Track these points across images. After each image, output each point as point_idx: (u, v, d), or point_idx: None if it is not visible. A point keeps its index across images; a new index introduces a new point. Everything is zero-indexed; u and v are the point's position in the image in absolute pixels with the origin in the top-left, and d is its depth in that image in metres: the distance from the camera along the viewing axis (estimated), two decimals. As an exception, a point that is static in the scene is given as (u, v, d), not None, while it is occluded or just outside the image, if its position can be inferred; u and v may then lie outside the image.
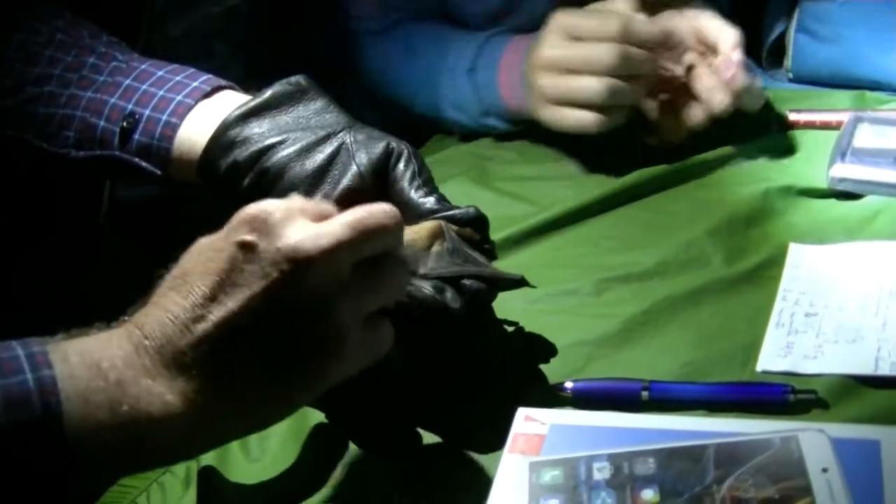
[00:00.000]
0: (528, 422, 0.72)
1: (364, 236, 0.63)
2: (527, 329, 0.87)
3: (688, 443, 0.68)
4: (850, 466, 0.65)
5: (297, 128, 0.82)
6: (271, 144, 0.81)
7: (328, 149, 0.80)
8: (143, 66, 0.89)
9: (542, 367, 0.83)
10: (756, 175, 1.06)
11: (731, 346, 0.83)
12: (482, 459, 0.71)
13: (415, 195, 0.80)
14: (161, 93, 0.86)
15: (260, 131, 0.82)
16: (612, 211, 1.04)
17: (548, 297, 0.91)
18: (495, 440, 0.72)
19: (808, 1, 1.23)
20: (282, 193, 0.78)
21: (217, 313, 0.60)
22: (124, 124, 0.86)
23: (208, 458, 0.79)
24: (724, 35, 1.06)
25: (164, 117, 0.85)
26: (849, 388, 0.77)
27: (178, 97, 0.85)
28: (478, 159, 1.20)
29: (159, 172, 0.86)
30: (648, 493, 0.65)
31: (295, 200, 0.65)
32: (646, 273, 0.93)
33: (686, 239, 0.96)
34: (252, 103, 0.83)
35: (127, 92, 0.87)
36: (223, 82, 0.88)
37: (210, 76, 0.88)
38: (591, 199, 1.04)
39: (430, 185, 0.81)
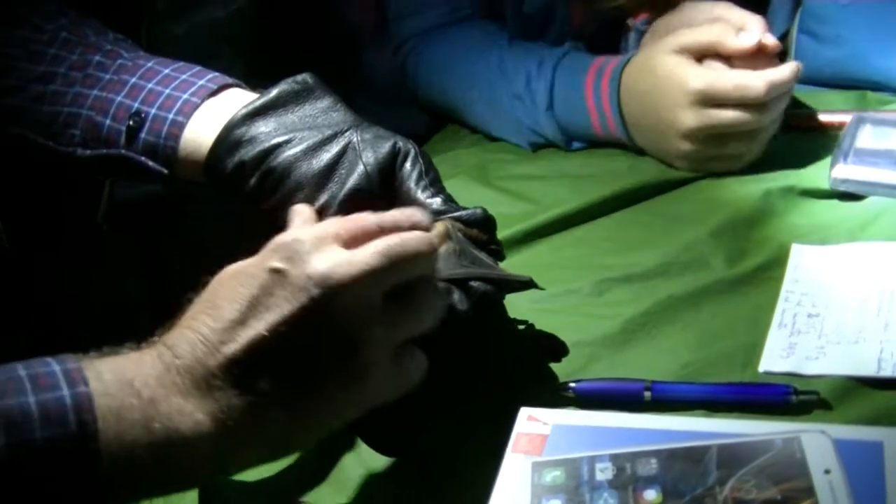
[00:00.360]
0: (531, 422, 0.72)
1: (397, 264, 0.64)
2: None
3: (690, 443, 0.68)
4: (853, 468, 0.64)
5: (304, 127, 0.81)
6: (277, 144, 0.80)
7: (335, 148, 0.80)
8: (149, 64, 0.88)
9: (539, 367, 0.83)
10: (758, 176, 1.06)
11: (733, 347, 0.83)
12: (485, 459, 0.70)
13: (421, 195, 0.79)
14: (167, 91, 0.85)
15: (266, 130, 0.81)
16: (614, 212, 1.04)
17: (549, 297, 0.91)
18: (496, 440, 0.72)
19: (810, 2, 1.23)
20: (288, 193, 0.78)
21: (246, 335, 0.61)
22: (130, 123, 0.85)
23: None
24: (751, 22, 1.06)
25: (171, 116, 0.84)
26: (851, 389, 0.77)
27: (185, 95, 0.85)
28: (479, 158, 1.20)
29: (165, 171, 0.85)
30: (651, 494, 0.65)
31: (329, 225, 0.66)
32: (647, 274, 0.93)
33: (687, 240, 0.96)
34: (258, 102, 0.82)
35: (133, 90, 0.86)
36: (230, 80, 0.87)
37: (217, 74, 0.87)
38: (593, 200, 1.04)
39: (437, 185, 0.80)
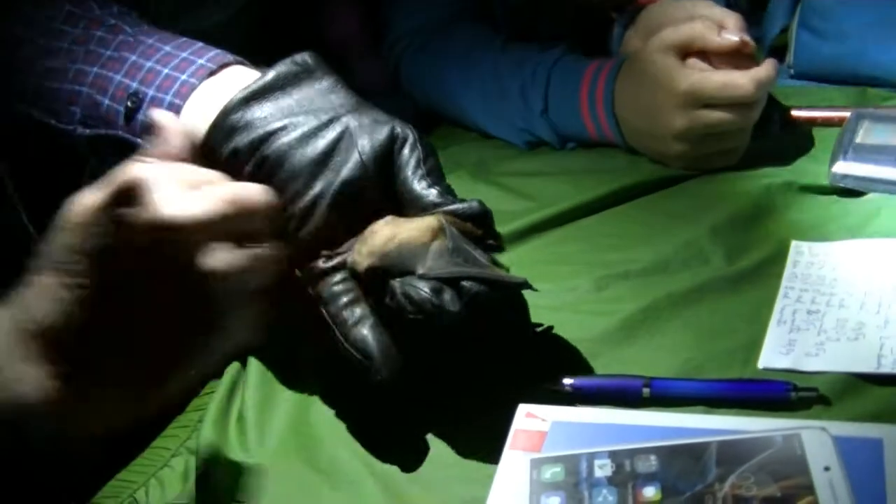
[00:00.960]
0: (530, 418, 0.72)
1: (234, 213, 0.63)
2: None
3: (689, 440, 0.68)
4: (853, 465, 0.64)
5: (301, 111, 0.79)
6: (272, 131, 0.78)
7: (330, 134, 0.78)
8: (151, 41, 0.87)
9: (538, 364, 0.82)
10: (757, 172, 1.05)
11: (732, 344, 0.82)
12: (483, 456, 0.70)
13: (417, 186, 0.78)
14: (166, 71, 0.84)
15: (262, 115, 0.79)
16: (613, 208, 1.04)
17: (548, 294, 0.90)
18: (494, 437, 0.72)
19: (810, -4, 1.23)
20: (282, 182, 0.77)
21: (84, 290, 0.60)
22: (129, 104, 0.84)
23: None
24: (728, 19, 1.06)
25: (168, 98, 0.83)
26: (851, 385, 0.76)
27: (183, 76, 0.83)
28: (479, 154, 1.20)
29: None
30: (650, 491, 0.65)
31: (170, 165, 0.66)
32: (646, 270, 0.93)
33: (687, 236, 0.96)
34: (255, 86, 0.80)
35: (132, 69, 0.85)
36: (231, 57, 0.85)
37: (218, 52, 0.85)
38: (593, 197, 1.04)
39: (434, 175, 0.79)
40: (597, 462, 0.67)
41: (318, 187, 0.76)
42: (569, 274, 0.93)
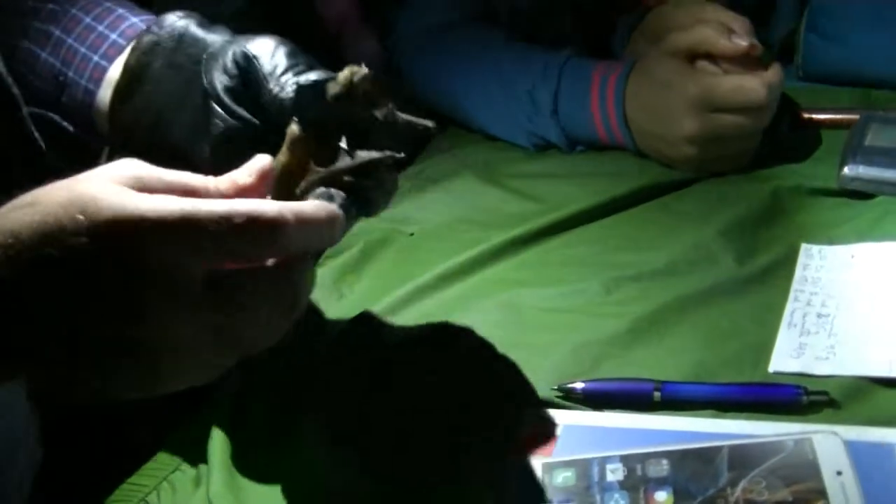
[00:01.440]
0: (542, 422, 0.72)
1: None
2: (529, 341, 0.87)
3: (701, 444, 0.68)
4: (865, 469, 0.65)
5: (171, 84, 0.78)
6: (154, 120, 0.77)
7: (195, 98, 0.76)
8: (74, 11, 0.84)
9: (548, 367, 0.82)
10: (766, 174, 1.06)
11: (742, 347, 0.82)
12: (497, 460, 0.70)
13: (275, 91, 0.73)
14: (83, 50, 0.82)
15: (143, 105, 0.78)
16: (622, 210, 1.04)
17: (557, 296, 0.91)
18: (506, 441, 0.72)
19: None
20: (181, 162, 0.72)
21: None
22: (52, 89, 0.82)
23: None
24: (736, 23, 1.06)
25: (83, 83, 0.82)
26: (862, 389, 0.76)
27: (95, 57, 0.82)
28: (486, 156, 1.20)
29: (92, 138, 0.83)
30: (662, 495, 0.65)
31: (125, 169, 0.59)
32: (656, 272, 0.93)
33: (696, 238, 0.96)
34: (122, 80, 0.79)
35: (56, 47, 0.83)
36: (143, 26, 0.83)
37: (135, 20, 0.83)
38: (601, 199, 1.04)
39: (295, 71, 0.74)
40: (608, 466, 0.67)
41: (204, 151, 0.75)
42: (578, 276, 0.93)
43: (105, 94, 0.82)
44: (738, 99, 1.02)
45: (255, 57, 0.75)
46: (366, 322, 0.90)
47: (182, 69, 0.78)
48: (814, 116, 1.14)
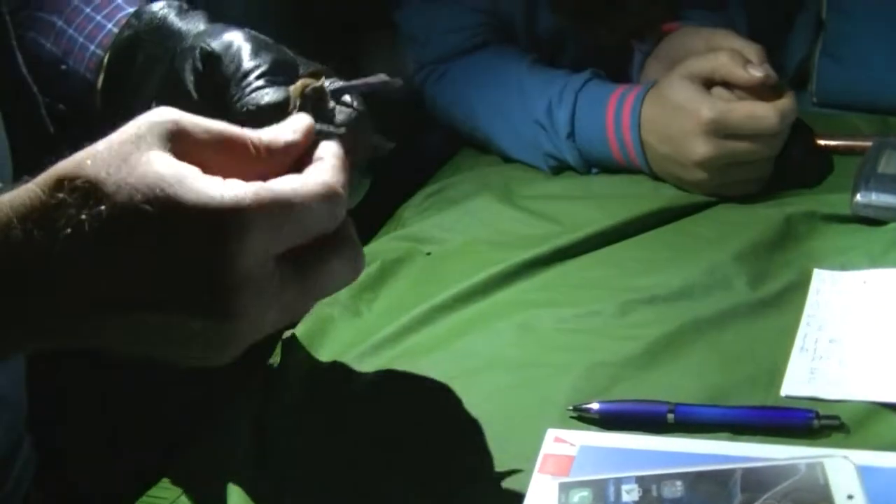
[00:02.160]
0: (558, 443, 0.73)
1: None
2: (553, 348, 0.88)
3: (714, 466, 0.69)
4: (876, 494, 0.65)
5: (153, 83, 0.78)
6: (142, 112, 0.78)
7: (171, 92, 0.76)
8: (76, 2, 0.85)
9: (563, 388, 0.83)
10: (780, 199, 1.07)
11: (755, 370, 0.84)
12: (512, 479, 0.72)
13: (229, 103, 0.73)
14: (81, 40, 0.83)
15: (127, 103, 0.79)
16: (638, 233, 1.06)
17: (573, 318, 0.92)
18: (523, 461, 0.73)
19: (833, 24, 1.24)
20: None
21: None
22: (55, 78, 0.83)
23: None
24: (750, 51, 1.07)
25: (82, 71, 0.83)
26: (873, 414, 0.77)
27: (92, 47, 0.83)
28: (503, 177, 1.21)
29: (95, 125, 0.84)
30: (676, 516, 0.66)
31: (167, 121, 0.57)
32: (671, 295, 0.94)
33: (710, 262, 0.97)
34: (104, 78, 0.80)
35: (58, 37, 0.84)
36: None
37: (130, 11, 0.83)
38: (617, 221, 1.06)
39: (253, 76, 0.73)
40: (624, 487, 0.68)
41: None
42: (594, 298, 0.95)
43: (101, 77, 0.83)
44: (750, 126, 1.04)
45: (217, 57, 0.75)
46: (385, 340, 0.91)
47: (159, 62, 0.79)
48: (827, 142, 1.15)
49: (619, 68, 1.23)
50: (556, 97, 1.18)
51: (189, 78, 0.76)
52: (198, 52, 0.76)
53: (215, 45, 0.75)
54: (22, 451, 0.85)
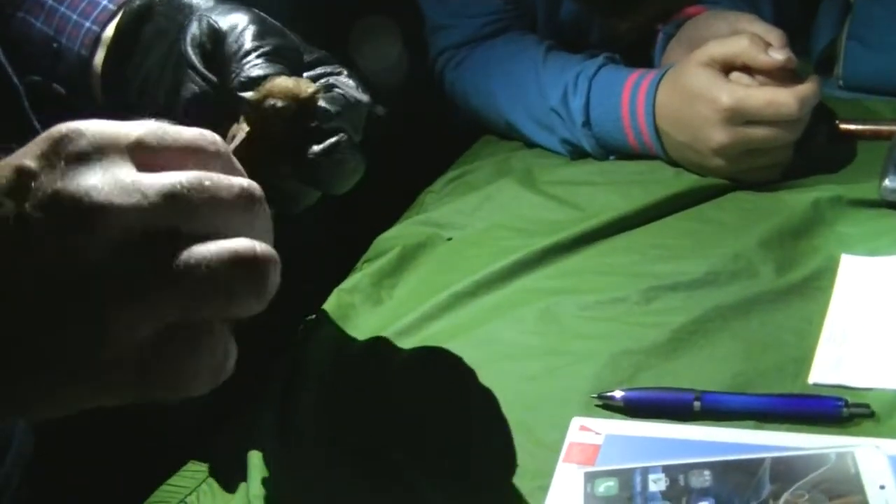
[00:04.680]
0: (584, 431, 0.72)
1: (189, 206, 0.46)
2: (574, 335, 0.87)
3: (743, 456, 0.68)
4: (908, 484, 0.64)
5: (157, 51, 0.78)
6: (141, 86, 0.78)
7: (176, 61, 0.76)
8: None
9: (587, 376, 0.82)
10: (806, 185, 1.05)
11: (782, 358, 0.82)
12: (537, 468, 0.71)
13: (227, 79, 0.73)
14: (74, 17, 0.82)
15: (132, 71, 0.78)
16: (659, 218, 1.04)
17: (597, 305, 0.91)
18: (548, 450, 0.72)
19: (860, 8, 1.22)
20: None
21: None
22: (47, 57, 0.82)
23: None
24: (773, 36, 1.06)
25: (76, 48, 0.82)
26: (902, 402, 0.76)
27: (87, 23, 0.82)
28: (525, 162, 1.20)
29: (87, 104, 0.83)
30: (704, 506, 0.65)
31: (133, 128, 0.47)
32: (695, 282, 0.93)
33: (735, 249, 0.96)
34: (111, 45, 0.80)
35: (49, 16, 0.83)
36: None
37: None
38: (639, 207, 1.04)
39: (254, 55, 0.73)
40: (651, 476, 0.67)
41: (177, 113, 0.75)
42: (618, 285, 0.94)
43: (99, 58, 0.82)
44: (769, 113, 1.02)
45: (223, 34, 0.75)
46: (408, 326, 0.91)
47: (167, 34, 0.78)
48: (854, 127, 1.13)
49: (641, 51, 1.22)
50: (571, 85, 1.17)
51: (194, 48, 0.75)
52: (205, 25, 0.75)
53: (222, 22, 0.75)
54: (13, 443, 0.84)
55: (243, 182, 0.47)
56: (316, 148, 0.71)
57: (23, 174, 0.44)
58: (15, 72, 0.78)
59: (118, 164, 0.45)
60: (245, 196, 0.47)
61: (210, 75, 0.75)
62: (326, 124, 0.71)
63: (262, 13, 0.76)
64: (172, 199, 0.45)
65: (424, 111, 1.34)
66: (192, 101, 0.74)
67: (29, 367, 0.44)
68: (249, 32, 0.74)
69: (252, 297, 0.45)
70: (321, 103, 0.71)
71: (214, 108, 0.73)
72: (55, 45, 0.82)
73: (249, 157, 0.62)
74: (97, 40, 0.81)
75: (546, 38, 1.28)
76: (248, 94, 0.71)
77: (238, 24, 0.75)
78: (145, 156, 0.46)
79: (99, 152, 0.45)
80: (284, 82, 0.70)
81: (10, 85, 0.77)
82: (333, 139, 0.71)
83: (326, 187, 0.73)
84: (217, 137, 0.49)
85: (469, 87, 1.30)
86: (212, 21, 0.75)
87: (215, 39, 0.75)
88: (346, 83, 0.74)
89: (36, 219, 0.43)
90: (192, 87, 0.75)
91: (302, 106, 0.70)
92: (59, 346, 0.43)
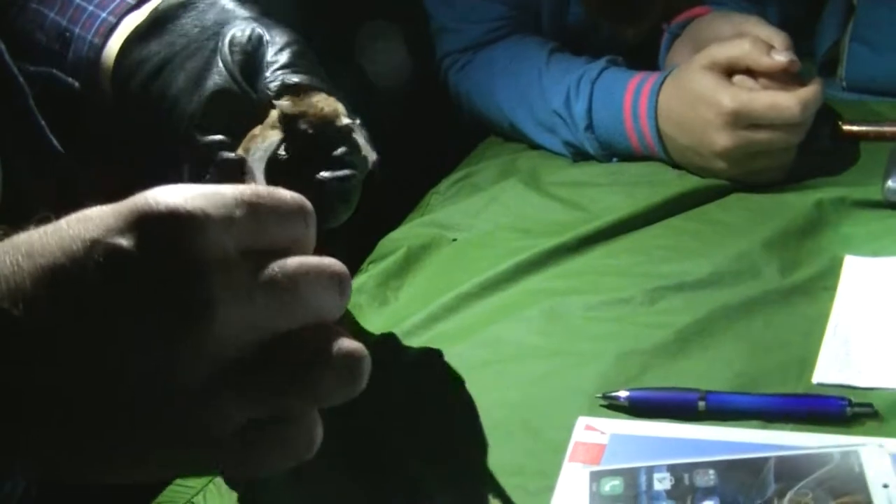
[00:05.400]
0: (589, 431, 0.73)
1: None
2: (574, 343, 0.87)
3: (747, 455, 0.68)
4: (911, 483, 0.65)
5: (188, 38, 0.78)
6: (159, 66, 0.78)
7: (205, 52, 0.76)
8: None
9: (592, 376, 0.83)
10: (810, 186, 1.06)
11: (786, 358, 0.83)
12: (543, 468, 0.71)
13: (266, 82, 0.74)
14: (90, 8, 0.83)
15: (152, 51, 0.79)
16: (664, 219, 1.05)
17: (602, 305, 0.92)
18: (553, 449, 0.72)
19: (863, 9, 1.23)
20: (168, 115, 0.75)
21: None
22: (57, 46, 0.83)
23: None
24: (776, 39, 1.06)
25: (90, 37, 0.82)
26: (906, 402, 0.77)
27: (103, 14, 0.82)
28: (530, 163, 1.21)
29: (94, 94, 0.83)
30: (709, 505, 0.66)
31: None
32: (699, 283, 0.93)
33: (739, 249, 0.97)
34: (145, 22, 0.80)
35: (64, 7, 0.84)
36: None
37: None
38: (644, 208, 1.05)
39: (298, 69, 0.75)
40: (656, 475, 0.68)
41: (192, 109, 0.76)
42: (621, 285, 0.94)
43: (113, 45, 0.82)
44: (772, 116, 1.03)
45: (266, 42, 0.76)
46: (414, 325, 0.91)
47: (205, 29, 0.79)
48: (857, 128, 1.14)
49: (646, 51, 1.22)
50: (574, 88, 1.18)
51: (233, 46, 0.76)
52: (249, 30, 0.76)
53: (269, 33, 0.76)
54: None
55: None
56: (326, 174, 0.71)
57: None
58: (23, 62, 0.79)
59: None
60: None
61: (238, 76, 0.75)
62: (347, 157, 0.72)
63: (303, 40, 0.77)
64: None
65: (429, 113, 1.34)
66: (215, 93, 0.75)
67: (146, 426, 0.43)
68: (291, 50, 0.75)
69: (346, 393, 0.45)
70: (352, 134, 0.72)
71: (232, 109, 0.74)
72: (67, 34, 0.83)
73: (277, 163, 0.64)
74: (112, 30, 0.81)
75: (552, 37, 1.28)
76: (283, 104, 0.72)
77: (284, 39, 0.76)
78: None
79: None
80: (324, 102, 0.72)
81: (15, 84, 0.78)
82: (348, 171, 0.72)
83: (325, 214, 0.72)
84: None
85: (473, 91, 1.30)
86: (258, 28, 0.76)
87: (256, 45, 0.76)
88: (360, 134, 0.75)
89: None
90: (218, 80, 0.75)
91: (334, 132, 0.71)
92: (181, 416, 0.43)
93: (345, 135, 0.72)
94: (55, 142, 0.81)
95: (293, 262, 0.45)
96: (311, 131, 0.71)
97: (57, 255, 0.41)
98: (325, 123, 0.72)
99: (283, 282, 0.44)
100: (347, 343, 0.45)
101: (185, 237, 0.42)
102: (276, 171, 0.70)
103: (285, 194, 0.46)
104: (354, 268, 1.07)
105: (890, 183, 1.00)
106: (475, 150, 1.29)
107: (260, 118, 0.73)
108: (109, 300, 0.41)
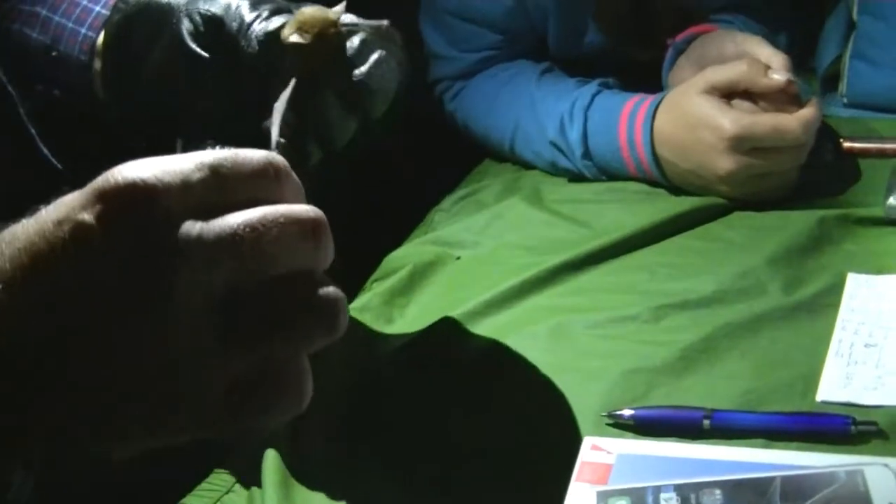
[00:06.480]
0: (595, 451, 0.73)
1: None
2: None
3: (754, 475, 0.69)
4: (916, 502, 0.65)
5: (156, 53, 0.79)
6: (133, 67, 0.79)
7: (168, 54, 0.77)
8: None
9: (597, 394, 0.83)
10: (813, 203, 1.06)
11: (791, 376, 0.83)
12: (550, 488, 0.71)
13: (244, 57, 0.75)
14: (70, 25, 0.83)
15: (129, 67, 0.80)
16: (670, 237, 1.05)
17: (606, 323, 0.92)
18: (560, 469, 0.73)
19: (863, 26, 1.23)
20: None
21: None
22: (45, 63, 0.84)
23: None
24: (775, 59, 1.07)
25: (76, 54, 0.83)
26: (910, 420, 0.77)
27: (83, 30, 0.83)
28: (533, 180, 1.21)
29: (93, 108, 0.84)
30: (716, 524, 0.66)
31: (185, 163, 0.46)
32: (703, 300, 0.93)
33: (743, 267, 0.97)
34: (104, 59, 0.81)
35: (45, 26, 0.84)
36: None
37: None
38: (648, 225, 1.05)
39: (256, 24, 0.75)
40: (663, 495, 0.68)
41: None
42: (626, 303, 0.94)
43: (98, 62, 0.83)
44: (775, 139, 1.03)
45: (220, 19, 0.76)
46: (422, 343, 0.91)
47: (156, 39, 0.79)
48: (858, 145, 1.14)
49: (651, 69, 1.22)
50: (567, 116, 1.17)
51: (192, 43, 0.77)
52: (198, 17, 0.77)
53: (215, 8, 0.77)
54: None
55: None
56: (359, 70, 0.73)
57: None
58: (17, 84, 0.80)
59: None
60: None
61: (201, 52, 0.76)
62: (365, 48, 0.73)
63: None
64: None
65: (432, 130, 1.34)
66: (189, 80, 0.76)
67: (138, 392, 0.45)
68: (245, 7, 0.76)
69: (327, 336, 0.46)
70: (346, 18, 0.74)
71: (212, 81, 0.76)
72: (54, 53, 0.83)
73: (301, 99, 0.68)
74: (94, 45, 0.82)
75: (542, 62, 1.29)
76: (286, 34, 0.73)
77: (230, 3, 0.76)
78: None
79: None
80: (309, 13, 0.73)
81: (4, 92, 0.79)
82: (374, 56, 0.74)
83: (369, 108, 0.74)
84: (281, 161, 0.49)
85: (468, 119, 1.30)
86: (202, 11, 0.77)
87: (214, 26, 0.76)
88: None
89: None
90: (187, 68, 0.76)
91: (336, 32, 0.73)
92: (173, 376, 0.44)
93: (344, 30, 0.74)
94: (49, 155, 0.83)
95: (255, 212, 0.46)
96: (319, 33, 0.73)
97: (33, 238, 0.44)
98: (327, 25, 0.73)
99: (242, 233, 0.45)
100: (327, 288, 0.46)
101: (141, 206, 0.44)
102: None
103: (250, 153, 0.48)
104: (357, 286, 1.07)
105: (891, 200, 1.00)
106: (478, 168, 1.30)
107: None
108: (80, 274, 0.44)
